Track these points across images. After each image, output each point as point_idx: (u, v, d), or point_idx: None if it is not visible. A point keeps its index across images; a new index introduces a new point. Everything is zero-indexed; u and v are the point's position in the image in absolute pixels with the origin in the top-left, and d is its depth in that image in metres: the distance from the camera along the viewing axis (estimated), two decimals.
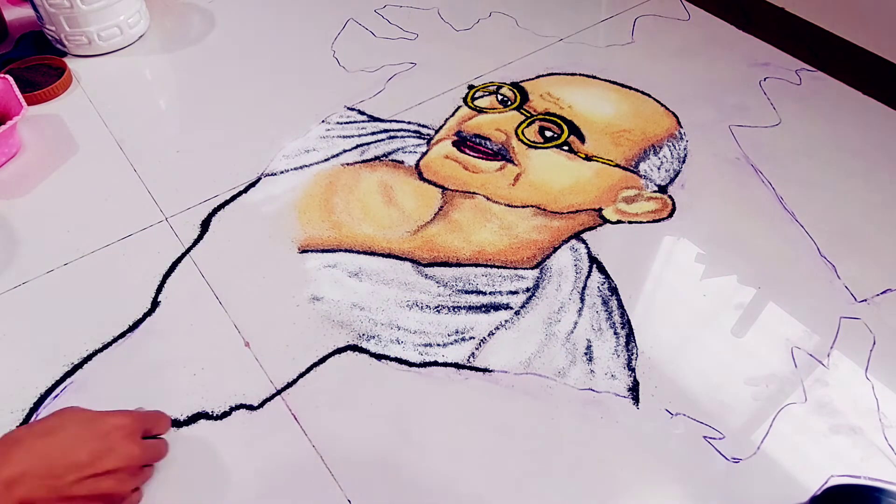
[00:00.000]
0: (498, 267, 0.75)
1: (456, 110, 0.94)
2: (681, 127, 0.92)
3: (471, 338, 0.69)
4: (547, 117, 0.92)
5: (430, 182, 0.84)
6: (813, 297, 0.73)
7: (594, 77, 1.00)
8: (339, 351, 0.68)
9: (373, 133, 0.91)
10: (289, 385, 0.65)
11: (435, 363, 0.67)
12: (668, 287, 0.74)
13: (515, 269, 0.75)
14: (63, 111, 0.94)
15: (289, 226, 0.79)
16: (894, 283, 0.75)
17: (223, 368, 0.66)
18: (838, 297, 0.73)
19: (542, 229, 0.79)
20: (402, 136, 0.91)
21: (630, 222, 0.80)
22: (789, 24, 1.04)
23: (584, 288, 0.73)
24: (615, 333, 0.69)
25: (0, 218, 0.80)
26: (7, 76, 0.88)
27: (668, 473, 0.60)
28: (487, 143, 0.89)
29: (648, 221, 0.81)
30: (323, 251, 0.76)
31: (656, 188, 0.84)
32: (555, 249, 0.77)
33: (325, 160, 0.87)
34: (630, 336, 0.69)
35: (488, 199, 0.82)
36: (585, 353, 0.68)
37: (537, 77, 1.00)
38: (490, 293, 0.73)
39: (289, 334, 0.69)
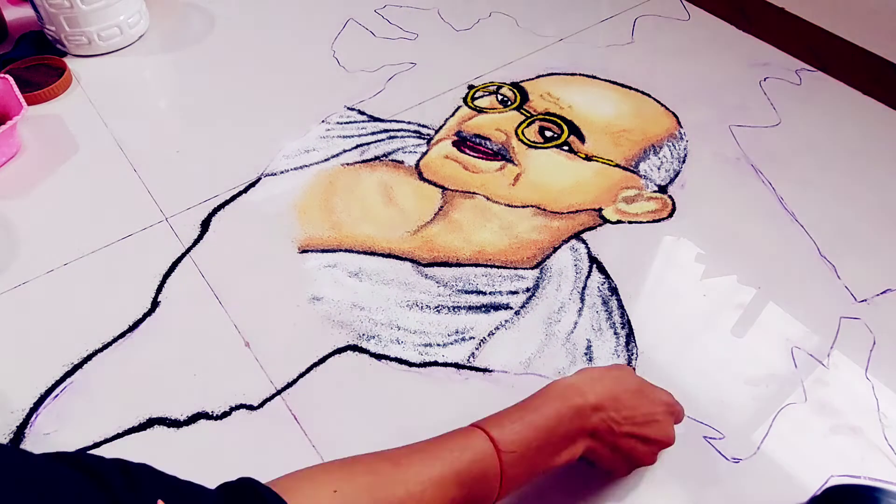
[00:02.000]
0: (498, 267, 0.75)
1: (456, 110, 0.94)
2: (681, 127, 0.92)
3: (471, 338, 0.69)
4: (547, 117, 0.92)
5: (430, 182, 0.84)
6: (813, 297, 0.73)
7: (594, 77, 1.00)
8: (339, 351, 0.68)
9: (373, 133, 0.91)
10: (289, 385, 0.65)
11: (435, 363, 0.67)
12: (668, 287, 0.74)
13: (515, 269, 0.75)
14: (63, 111, 0.94)
15: (289, 226, 0.79)
16: (894, 283, 0.75)
17: (223, 368, 0.66)
18: (838, 297, 0.73)
19: (542, 229, 0.79)
20: (402, 136, 0.91)
21: (630, 222, 0.80)
22: (789, 24, 1.04)
23: (584, 288, 0.73)
24: (615, 333, 0.69)
25: (0, 218, 0.80)
26: (7, 76, 0.88)
27: (668, 473, 0.60)
28: (487, 143, 0.89)
29: (648, 221, 0.81)
30: (323, 251, 0.77)
31: (656, 188, 0.84)
32: (555, 249, 0.77)
33: (325, 160, 0.87)
34: (630, 336, 0.69)
35: (488, 199, 0.82)
36: (585, 353, 0.68)
37: (537, 77, 1.00)
38: (490, 293, 0.73)
39: (289, 334, 0.69)
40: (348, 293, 0.72)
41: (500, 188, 0.83)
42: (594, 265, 0.75)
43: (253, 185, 0.84)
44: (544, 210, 0.81)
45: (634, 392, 0.54)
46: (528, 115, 0.93)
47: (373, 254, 0.76)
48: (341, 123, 0.92)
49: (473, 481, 0.46)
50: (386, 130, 0.91)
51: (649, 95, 0.97)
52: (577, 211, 0.81)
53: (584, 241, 0.78)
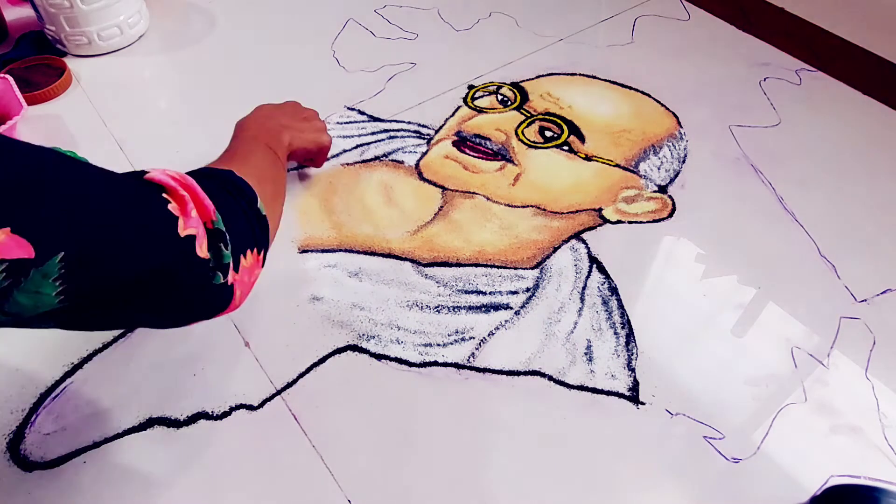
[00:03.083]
0: (498, 267, 0.75)
1: (456, 110, 0.94)
2: (681, 127, 0.92)
3: (471, 338, 0.69)
4: (547, 117, 0.92)
5: (429, 182, 0.84)
6: (813, 297, 0.73)
7: (594, 77, 1.00)
8: (339, 351, 0.68)
9: (373, 133, 0.91)
10: (289, 385, 0.65)
11: (435, 363, 0.67)
12: (668, 287, 0.74)
13: (515, 269, 0.75)
14: (63, 111, 0.94)
15: (289, 226, 0.79)
16: (894, 283, 0.75)
17: (223, 368, 0.66)
18: (838, 297, 0.73)
19: (542, 229, 0.79)
20: (402, 136, 0.91)
21: (630, 222, 0.80)
22: (789, 24, 1.05)
23: (584, 288, 0.73)
24: (615, 333, 0.69)
25: None
26: (7, 76, 0.88)
27: (668, 473, 0.60)
28: (487, 143, 0.89)
29: (648, 221, 0.81)
30: (323, 251, 0.76)
31: (656, 188, 0.84)
32: (555, 249, 0.77)
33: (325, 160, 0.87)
34: (630, 336, 0.69)
35: (488, 199, 0.82)
36: (585, 353, 0.68)
37: (537, 77, 1.00)
38: (490, 293, 0.72)
39: (289, 334, 0.69)
40: (348, 293, 0.72)
41: (500, 188, 0.83)
42: (594, 265, 0.75)
43: None
44: (544, 210, 0.81)
45: (290, 106, 0.79)
46: (528, 115, 0.93)
47: (373, 254, 0.76)
48: (341, 123, 0.92)
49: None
50: (386, 130, 0.91)
51: (649, 95, 0.97)
52: (577, 211, 0.81)
53: (584, 241, 0.78)
